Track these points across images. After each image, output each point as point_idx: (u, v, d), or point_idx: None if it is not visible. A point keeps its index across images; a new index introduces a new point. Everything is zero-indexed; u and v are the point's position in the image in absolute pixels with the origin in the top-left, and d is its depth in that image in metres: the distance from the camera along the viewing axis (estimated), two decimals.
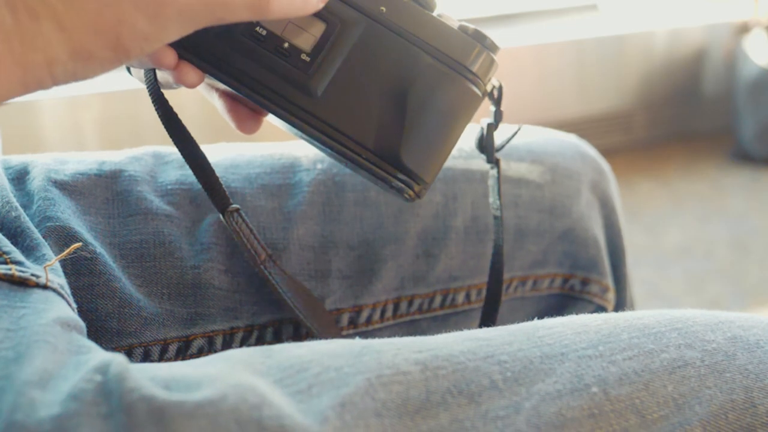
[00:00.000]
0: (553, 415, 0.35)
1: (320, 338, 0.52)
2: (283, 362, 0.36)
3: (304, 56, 0.44)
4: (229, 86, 0.44)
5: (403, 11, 0.45)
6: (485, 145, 0.53)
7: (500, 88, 0.49)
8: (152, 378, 0.34)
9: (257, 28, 0.43)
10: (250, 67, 0.44)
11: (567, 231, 0.64)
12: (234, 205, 0.51)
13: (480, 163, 0.61)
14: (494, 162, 0.53)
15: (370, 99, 0.44)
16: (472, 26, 0.48)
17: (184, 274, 0.52)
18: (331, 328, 0.54)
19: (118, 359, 0.35)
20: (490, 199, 0.56)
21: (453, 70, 0.45)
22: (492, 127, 0.53)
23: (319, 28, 0.44)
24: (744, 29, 2.30)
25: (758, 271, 1.75)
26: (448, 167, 0.60)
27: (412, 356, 0.37)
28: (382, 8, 0.45)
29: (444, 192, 0.60)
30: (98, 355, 0.36)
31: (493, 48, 0.47)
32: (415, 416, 0.34)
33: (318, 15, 0.44)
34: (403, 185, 0.45)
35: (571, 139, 0.68)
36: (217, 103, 0.48)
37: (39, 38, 0.33)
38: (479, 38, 0.47)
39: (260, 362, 0.36)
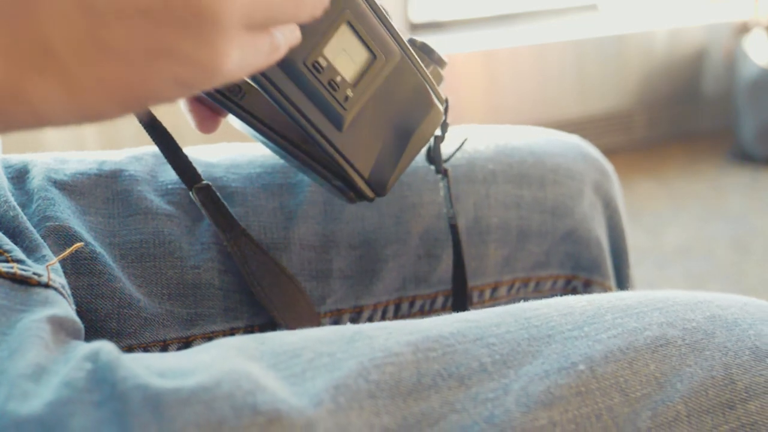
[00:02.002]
0: (541, 393, 0.36)
1: (289, 323, 0.52)
2: (276, 348, 0.37)
3: (349, 91, 0.43)
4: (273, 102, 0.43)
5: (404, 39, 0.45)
6: (433, 156, 0.53)
7: (446, 101, 0.49)
8: (146, 366, 0.35)
9: (319, 59, 0.42)
10: (294, 93, 0.42)
11: (569, 232, 0.64)
12: (204, 182, 0.51)
13: (482, 164, 0.61)
14: (443, 173, 0.54)
15: (379, 138, 0.45)
16: (419, 40, 0.47)
17: (184, 274, 0.52)
18: (306, 312, 0.53)
19: (106, 347, 0.35)
20: (444, 210, 0.56)
21: (436, 98, 0.47)
22: (439, 138, 0.53)
23: (364, 58, 0.43)
24: (744, 29, 2.30)
25: (758, 271, 1.75)
26: (450, 167, 0.60)
27: (404, 338, 0.37)
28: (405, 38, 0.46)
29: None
30: (86, 345, 0.36)
31: (440, 62, 0.48)
32: (407, 398, 0.35)
33: (372, 46, 0.43)
34: (353, 194, 0.46)
35: (574, 140, 0.68)
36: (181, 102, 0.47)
37: (34, 95, 0.28)
38: (427, 52, 0.47)
39: (254, 348, 0.37)
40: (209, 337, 0.53)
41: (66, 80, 0.28)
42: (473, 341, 0.38)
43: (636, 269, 0.76)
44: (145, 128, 0.51)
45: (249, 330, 0.54)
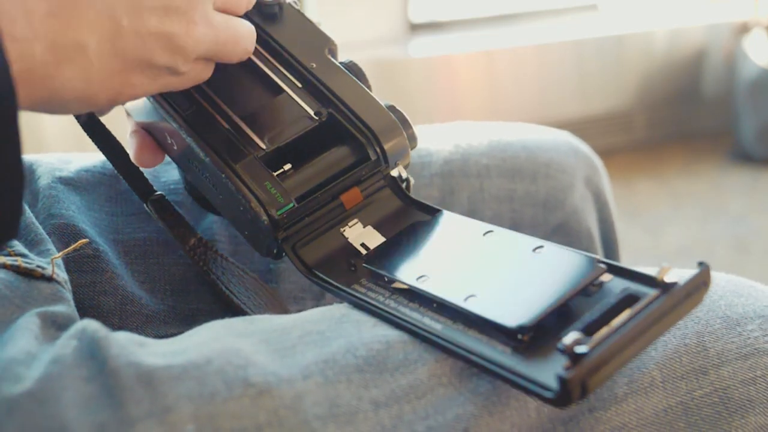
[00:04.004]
0: None
1: None
2: (266, 327, 0.38)
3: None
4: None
5: (330, 73, 0.50)
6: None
7: (407, 181, 0.49)
8: (139, 344, 0.35)
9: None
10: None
11: (560, 224, 0.65)
12: (157, 193, 0.51)
13: (476, 159, 0.62)
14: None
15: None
16: (399, 110, 0.49)
17: (186, 271, 0.52)
18: (278, 309, 0.53)
19: (92, 325, 0.35)
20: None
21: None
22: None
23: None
24: (744, 29, 2.30)
25: (758, 271, 1.75)
26: (445, 162, 0.60)
27: (390, 327, 0.38)
28: (312, 65, 0.49)
29: (441, 187, 0.60)
30: (73, 326, 0.37)
31: (412, 138, 0.49)
32: (394, 372, 0.36)
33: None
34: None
35: (565, 136, 0.70)
36: (131, 134, 0.49)
37: (61, 78, 0.36)
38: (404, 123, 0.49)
39: (244, 328, 0.37)
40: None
41: (86, 71, 0.36)
42: None
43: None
44: (98, 145, 0.51)
45: None
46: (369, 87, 0.50)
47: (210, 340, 0.36)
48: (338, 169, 0.47)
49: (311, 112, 0.48)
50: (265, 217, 0.44)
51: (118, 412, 0.32)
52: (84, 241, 0.47)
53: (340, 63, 0.50)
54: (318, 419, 0.34)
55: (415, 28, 2.29)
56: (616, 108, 2.36)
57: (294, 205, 0.45)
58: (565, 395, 0.31)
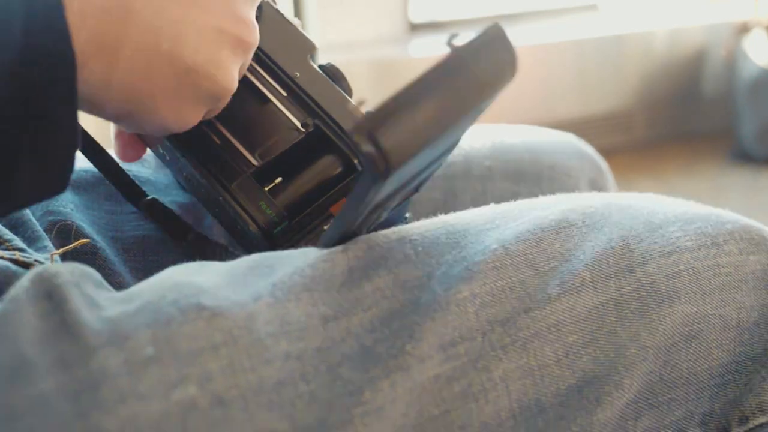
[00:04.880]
0: (461, 272, 0.39)
1: None
2: (218, 267, 0.39)
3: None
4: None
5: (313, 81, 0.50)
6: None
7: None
8: (96, 285, 0.37)
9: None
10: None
11: None
12: (150, 197, 0.52)
13: (479, 161, 0.61)
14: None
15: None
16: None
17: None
18: None
19: (49, 270, 0.36)
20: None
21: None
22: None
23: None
24: (744, 29, 2.30)
25: None
26: (448, 164, 0.60)
27: (335, 248, 0.40)
28: (297, 74, 0.49)
29: (444, 189, 0.60)
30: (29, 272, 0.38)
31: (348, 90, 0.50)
32: (340, 288, 0.38)
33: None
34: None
35: (569, 138, 0.69)
36: (116, 135, 0.50)
37: (88, 70, 0.36)
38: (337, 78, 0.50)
39: (195, 268, 0.39)
40: None
41: (110, 72, 0.37)
42: (397, 240, 0.41)
43: None
44: (84, 153, 0.52)
45: None
46: (348, 88, 0.51)
47: (163, 280, 0.37)
48: (327, 182, 0.48)
49: (298, 124, 0.49)
50: (260, 236, 0.46)
51: (78, 343, 0.33)
52: (85, 240, 0.48)
53: (320, 66, 0.50)
54: (270, 336, 0.35)
55: (415, 28, 2.29)
56: (616, 108, 2.36)
57: (287, 224, 0.47)
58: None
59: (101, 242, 0.51)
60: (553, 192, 0.63)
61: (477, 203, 0.61)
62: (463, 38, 0.34)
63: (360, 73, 2.03)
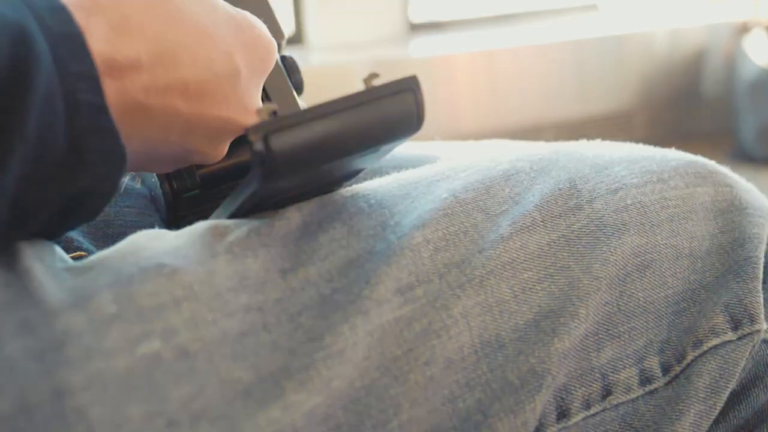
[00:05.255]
0: (413, 220, 0.40)
1: None
2: (177, 233, 0.40)
3: None
4: None
5: None
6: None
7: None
8: (59, 259, 0.37)
9: None
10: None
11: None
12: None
13: None
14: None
15: None
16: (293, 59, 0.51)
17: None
18: None
19: (13, 246, 0.36)
20: None
21: None
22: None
23: None
24: (744, 29, 2.30)
25: None
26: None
27: (291, 208, 0.41)
28: None
29: None
30: None
31: (298, 86, 0.52)
32: (297, 241, 0.39)
33: None
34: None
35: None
36: None
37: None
38: (291, 70, 0.52)
39: (155, 235, 0.39)
40: None
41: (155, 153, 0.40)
42: (350, 196, 0.42)
43: None
44: None
45: None
46: (300, 82, 0.52)
47: (124, 246, 0.38)
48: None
49: None
50: (169, 196, 0.48)
51: (40, 306, 0.33)
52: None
53: (282, 56, 0.52)
54: (230, 291, 0.36)
55: (415, 28, 2.29)
56: (616, 108, 2.36)
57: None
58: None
59: (89, 246, 0.51)
60: None
61: None
62: (381, 80, 0.37)
63: (360, 73, 2.03)
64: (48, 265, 0.35)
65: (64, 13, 0.33)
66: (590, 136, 0.79)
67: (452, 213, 0.41)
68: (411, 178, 0.44)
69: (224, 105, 0.40)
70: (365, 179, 0.46)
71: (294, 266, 0.38)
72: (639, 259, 0.43)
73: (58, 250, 0.39)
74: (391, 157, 0.57)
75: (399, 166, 0.56)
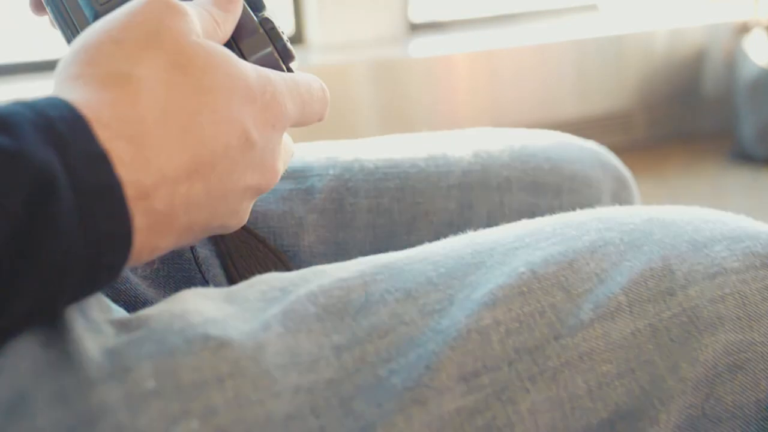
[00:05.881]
0: (484, 296, 0.37)
1: None
2: (229, 293, 0.38)
3: None
4: None
5: None
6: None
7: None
8: (100, 310, 0.35)
9: None
10: None
11: None
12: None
13: (497, 170, 0.60)
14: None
15: None
16: (273, 22, 0.45)
17: (192, 277, 0.52)
18: None
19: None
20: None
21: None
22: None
23: None
24: (744, 29, 2.30)
25: None
26: (464, 174, 0.59)
27: (353, 268, 0.38)
28: None
29: (459, 200, 0.59)
30: None
31: (285, 53, 0.45)
32: (356, 316, 0.36)
33: None
34: None
35: (591, 146, 0.67)
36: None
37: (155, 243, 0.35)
38: (274, 37, 0.45)
39: (204, 294, 0.37)
40: None
41: (178, 237, 0.36)
42: (419, 261, 0.39)
43: None
44: None
45: None
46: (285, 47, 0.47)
47: (172, 306, 0.36)
48: None
49: None
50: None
51: (78, 376, 0.31)
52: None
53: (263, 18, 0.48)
54: (279, 368, 0.34)
55: (415, 28, 2.29)
56: (616, 108, 2.36)
57: None
58: None
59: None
60: (573, 204, 0.62)
61: (494, 216, 0.59)
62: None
63: (360, 73, 2.03)
64: (90, 319, 0.34)
65: (101, 163, 0.31)
66: (590, 136, 0.78)
67: (528, 291, 0.38)
68: (487, 243, 0.41)
69: (245, 175, 0.38)
70: (438, 237, 0.44)
71: (350, 343, 0.35)
72: (732, 359, 0.39)
73: (103, 298, 0.37)
74: (395, 167, 0.57)
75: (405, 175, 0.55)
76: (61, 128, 0.31)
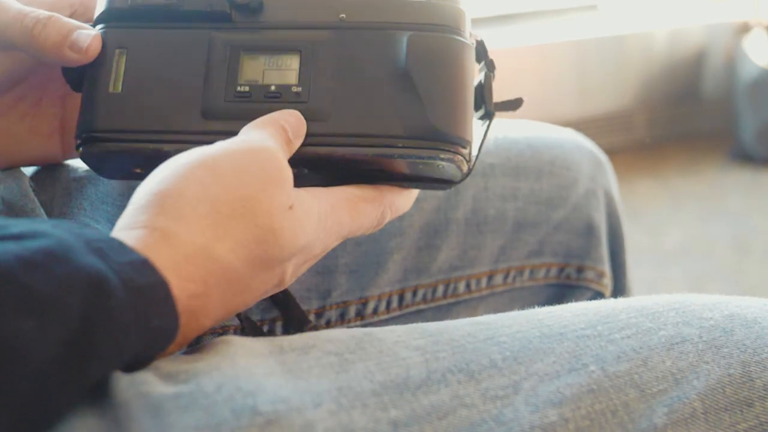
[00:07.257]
0: (550, 393, 0.35)
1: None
2: (285, 346, 0.37)
3: (294, 88, 0.44)
4: None
5: (363, 8, 0.47)
6: (484, 95, 0.53)
7: (482, 42, 0.52)
8: (152, 367, 0.35)
9: (239, 88, 0.44)
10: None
11: (562, 221, 0.65)
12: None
13: (481, 157, 0.62)
14: (490, 114, 0.53)
15: (378, 94, 0.45)
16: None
17: None
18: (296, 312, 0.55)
19: (113, 378, 0.34)
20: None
21: (432, 31, 0.47)
22: (489, 76, 0.53)
23: (294, 60, 0.45)
24: (744, 29, 2.30)
25: (758, 271, 1.75)
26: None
27: (413, 343, 0.37)
28: (342, 15, 0.46)
29: None
30: None
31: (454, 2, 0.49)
32: (416, 392, 0.34)
33: (287, 48, 0.45)
34: (450, 154, 0.44)
35: (569, 133, 0.71)
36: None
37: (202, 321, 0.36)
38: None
39: (263, 347, 0.37)
40: (220, 333, 0.53)
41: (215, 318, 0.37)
42: (483, 340, 0.38)
43: (635, 269, 0.77)
44: None
45: (260, 324, 0.55)
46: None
47: (225, 362, 0.35)
48: None
49: None
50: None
51: None
52: None
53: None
54: None
55: None
56: (616, 108, 2.36)
57: None
58: None
59: None
60: (552, 187, 0.64)
61: (478, 199, 0.61)
62: None
63: None
64: (150, 402, 0.33)
65: (146, 267, 0.33)
66: (590, 136, 0.80)
67: (599, 389, 0.36)
68: (555, 327, 0.39)
69: (276, 287, 0.40)
70: (502, 310, 0.43)
71: (409, 420, 0.33)
72: None
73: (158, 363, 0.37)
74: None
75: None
76: (148, 294, 0.32)
